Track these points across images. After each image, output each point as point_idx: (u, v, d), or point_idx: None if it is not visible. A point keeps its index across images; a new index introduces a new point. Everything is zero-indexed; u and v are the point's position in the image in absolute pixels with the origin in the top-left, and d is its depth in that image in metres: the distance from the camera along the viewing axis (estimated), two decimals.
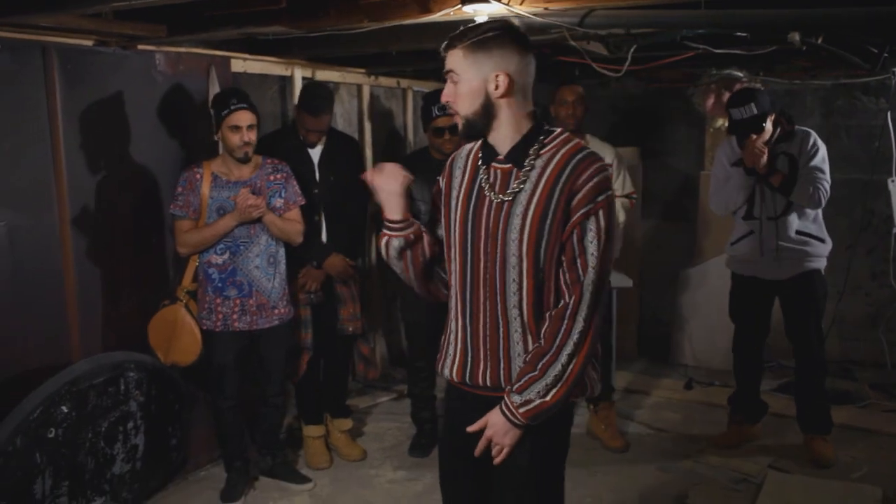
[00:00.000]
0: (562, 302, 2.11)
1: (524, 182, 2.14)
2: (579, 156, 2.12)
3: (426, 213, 4.18)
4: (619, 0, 2.97)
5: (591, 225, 2.09)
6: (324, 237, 4.37)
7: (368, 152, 5.62)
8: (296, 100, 4.67)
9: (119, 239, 3.97)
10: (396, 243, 2.30)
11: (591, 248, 2.10)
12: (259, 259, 3.87)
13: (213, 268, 3.85)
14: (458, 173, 2.31)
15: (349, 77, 5.42)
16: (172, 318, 3.89)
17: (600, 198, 2.09)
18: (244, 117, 3.75)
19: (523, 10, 3.10)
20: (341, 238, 4.40)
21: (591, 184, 2.08)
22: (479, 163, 2.25)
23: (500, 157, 2.19)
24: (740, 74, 5.72)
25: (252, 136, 3.78)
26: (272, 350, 4.03)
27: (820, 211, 4.27)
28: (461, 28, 2.16)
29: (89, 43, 3.81)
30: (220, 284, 3.85)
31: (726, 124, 5.74)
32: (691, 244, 6.11)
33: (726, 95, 5.77)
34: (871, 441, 4.55)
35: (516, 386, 2.11)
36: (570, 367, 2.09)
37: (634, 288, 6.02)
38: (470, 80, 2.13)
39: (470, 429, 2.20)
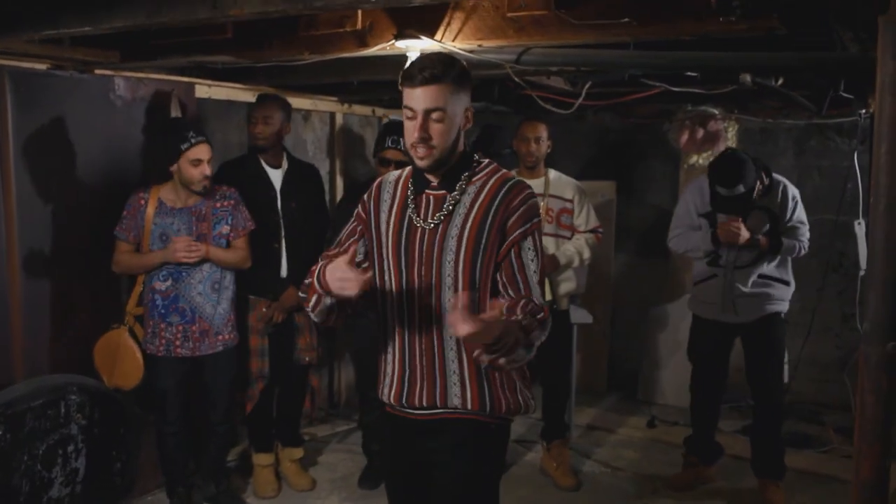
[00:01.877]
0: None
1: (455, 205, 2.23)
2: (510, 183, 2.26)
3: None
4: (547, 38, 2.96)
5: (529, 244, 2.22)
6: (284, 266, 4.37)
7: (339, 180, 5.64)
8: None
9: (71, 261, 3.99)
10: (328, 301, 2.27)
11: (532, 265, 2.22)
12: (202, 286, 3.88)
13: (157, 294, 3.86)
14: (386, 198, 2.36)
15: (321, 105, 5.45)
16: (116, 342, 3.91)
17: (535, 219, 2.24)
18: (204, 150, 3.80)
19: (456, 46, 3.10)
20: (300, 268, 4.38)
21: (524, 207, 2.22)
22: (410, 192, 2.30)
23: (434, 184, 2.27)
24: (715, 111, 5.71)
25: (210, 170, 3.82)
26: (217, 377, 4.03)
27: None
28: (424, 62, 2.19)
29: (44, 67, 3.86)
30: (163, 310, 3.86)
31: (700, 161, 5.74)
32: (664, 280, 6.06)
33: (700, 132, 5.77)
34: (827, 488, 4.48)
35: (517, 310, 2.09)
36: (531, 332, 2.05)
37: (605, 323, 5.99)
38: (455, 115, 2.21)
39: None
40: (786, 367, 4.26)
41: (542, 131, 4.40)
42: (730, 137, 5.81)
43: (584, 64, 3.22)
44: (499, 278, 2.22)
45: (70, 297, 4.00)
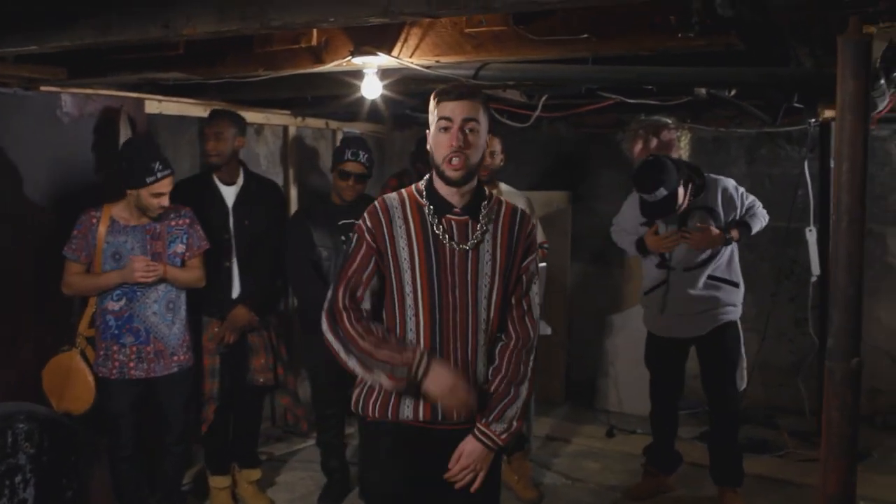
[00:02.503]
0: (514, 336, 2.46)
1: (485, 233, 2.41)
2: (520, 212, 2.53)
3: (328, 260, 4.18)
4: (505, 53, 2.95)
5: (533, 268, 2.51)
6: (236, 286, 4.28)
7: (293, 192, 5.57)
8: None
9: (17, 284, 3.86)
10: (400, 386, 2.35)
11: (535, 287, 2.52)
12: (157, 305, 3.80)
13: (109, 314, 3.76)
14: (399, 222, 2.41)
15: (273, 118, 5.38)
16: (67, 365, 3.80)
17: (536, 244, 2.56)
18: (168, 184, 3.72)
19: (414, 62, 3.08)
20: (252, 288, 4.31)
21: (533, 234, 2.53)
22: (430, 214, 2.40)
23: (457, 209, 2.41)
24: (668, 121, 5.77)
25: (168, 200, 3.75)
26: (172, 398, 3.93)
27: (736, 254, 4.27)
28: (455, 84, 2.46)
29: None
30: (116, 331, 3.76)
31: None
32: (619, 289, 6.10)
33: (654, 142, 5.83)
34: (785, 493, 4.53)
35: (493, 415, 2.40)
36: (526, 394, 2.45)
37: (562, 332, 6.00)
38: (483, 134, 2.38)
39: (451, 466, 2.40)
40: (744, 373, 4.28)
41: (496, 145, 4.38)
42: (682, 146, 5.88)
43: (543, 79, 3.23)
44: (511, 296, 2.48)
45: (17, 321, 3.88)
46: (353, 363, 2.36)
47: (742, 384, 4.30)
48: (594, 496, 4.55)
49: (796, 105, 4.24)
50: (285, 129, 5.57)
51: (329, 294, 2.45)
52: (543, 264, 4.50)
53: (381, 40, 3.04)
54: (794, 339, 5.70)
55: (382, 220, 2.43)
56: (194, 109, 4.80)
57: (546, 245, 4.62)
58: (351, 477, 4.50)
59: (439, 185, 2.42)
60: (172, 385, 3.90)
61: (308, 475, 4.81)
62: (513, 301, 2.47)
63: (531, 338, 2.48)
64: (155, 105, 4.53)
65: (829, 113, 4.72)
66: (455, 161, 2.33)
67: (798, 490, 4.53)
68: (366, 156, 4.24)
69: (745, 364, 4.28)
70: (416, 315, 2.38)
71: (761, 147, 5.81)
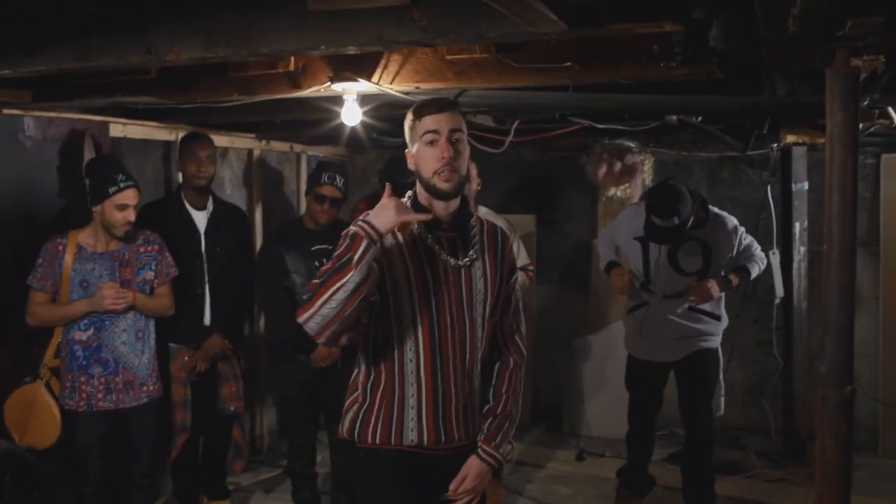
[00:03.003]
0: (510, 355, 2.48)
1: (474, 248, 2.38)
2: (499, 229, 2.51)
3: (301, 286, 4.12)
4: (486, 80, 2.95)
5: (517, 286, 2.53)
6: (207, 313, 4.21)
7: (258, 216, 5.50)
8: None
9: None
10: (373, 251, 2.17)
11: (519, 305, 2.54)
12: (126, 334, 3.70)
13: (77, 344, 3.65)
14: (389, 237, 2.30)
15: (238, 142, 5.32)
16: (31, 397, 3.67)
17: (516, 264, 2.55)
18: (132, 196, 3.62)
19: (394, 89, 3.06)
20: (224, 315, 4.25)
21: (514, 250, 2.56)
22: (419, 230, 2.33)
23: (445, 224, 2.35)
24: (631, 145, 5.83)
25: (134, 215, 3.66)
26: (141, 429, 3.82)
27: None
28: (432, 98, 2.32)
29: None
30: (84, 362, 3.65)
31: (618, 193, 5.85)
32: (585, 312, 6.12)
33: (618, 165, 5.89)
34: None
35: (500, 437, 2.41)
36: (519, 412, 2.49)
37: (529, 356, 5.99)
38: (467, 144, 2.33)
39: (455, 488, 2.37)
40: (721, 399, 4.31)
41: (473, 169, 4.37)
42: (646, 170, 5.94)
43: (522, 106, 3.24)
44: (499, 314, 2.46)
45: None
46: (320, 300, 2.16)
47: (719, 411, 4.33)
48: None
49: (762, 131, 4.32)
50: (250, 152, 5.51)
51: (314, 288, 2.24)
52: (520, 294, 4.47)
53: (361, 66, 3.01)
54: (757, 359, 5.78)
55: None
56: (159, 133, 4.73)
57: (531, 267, 4.61)
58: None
59: (426, 201, 2.34)
60: (142, 417, 3.79)
61: None
62: (504, 320, 2.48)
63: (524, 356, 2.53)
64: (119, 128, 4.45)
65: (790, 138, 4.82)
66: (446, 173, 2.26)
67: None
68: (342, 181, 4.20)
69: (722, 391, 4.31)
70: (415, 333, 2.31)
71: (723, 171, 5.91)
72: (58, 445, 3.68)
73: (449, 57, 2.95)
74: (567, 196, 6.28)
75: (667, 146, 5.81)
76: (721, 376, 4.30)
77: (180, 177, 4.33)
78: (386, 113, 3.64)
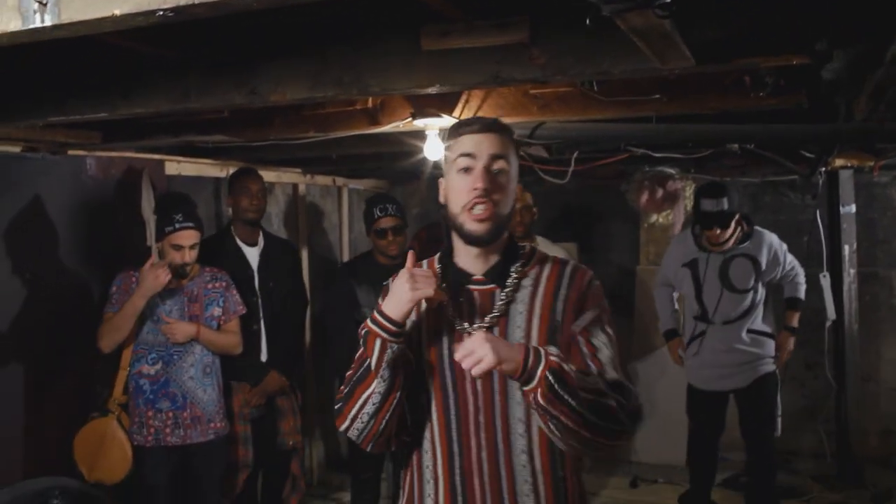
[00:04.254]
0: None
1: (510, 303, 1.83)
2: (570, 266, 1.92)
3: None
4: (570, 113, 2.97)
5: (598, 329, 1.84)
6: (264, 349, 4.21)
7: (304, 252, 5.51)
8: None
9: (42, 351, 3.75)
10: (391, 351, 1.78)
11: (606, 350, 1.82)
12: (194, 369, 3.71)
13: (144, 378, 3.66)
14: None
15: (284, 177, 5.34)
16: (102, 432, 3.66)
17: (604, 303, 1.90)
18: (188, 237, 3.63)
19: None
20: (280, 351, 4.24)
21: (591, 290, 1.87)
22: (442, 287, 1.83)
23: (477, 276, 1.87)
24: (672, 171, 5.83)
25: (194, 255, 3.68)
26: (208, 468, 3.82)
27: (770, 306, 4.35)
28: (479, 117, 1.97)
29: (17, 149, 3.66)
30: (151, 396, 3.65)
31: (660, 220, 5.85)
32: (631, 339, 6.11)
33: (660, 192, 5.88)
34: None
35: (565, 369, 1.69)
36: (590, 408, 1.69)
37: None
38: (513, 179, 1.85)
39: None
40: (779, 420, 4.31)
41: (529, 199, 4.39)
42: (688, 196, 5.95)
43: (599, 138, 3.25)
44: None
45: (42, 390, 3.75)
46: (356, 412, 1.84)
47: (777, 432, 4.33)
48: None
49: (806, 154, 4.34)
50: (295, 186, 5.53)
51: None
52: None
53: (442, 102, 3.04)
54: (805, 382, 5.77)
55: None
56: (210, 169, 4.76)
57: None
58: None
59: (458, 251, 1.91)
60: (209, 454, 3.79)
61: None
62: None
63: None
64: (174, 166, 4.48)
65: (839, 162, 4.84)
66: (479, 210, 1.78)
67: None
68: (394, 206, 4.19)
69: (779, 411, 4.31)
70: (430, 419, 1.86)
71: (765, 195, 5.92)
72: (125, 482, 3.67)
73: (533, 91, 2.98)
74: (608, 224, 6.29)
75: (708, 172, 5.82)
76: (779, 398, 4.31)
77: (230, 212, 4.34)
78: None
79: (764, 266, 4.22)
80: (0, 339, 3.56)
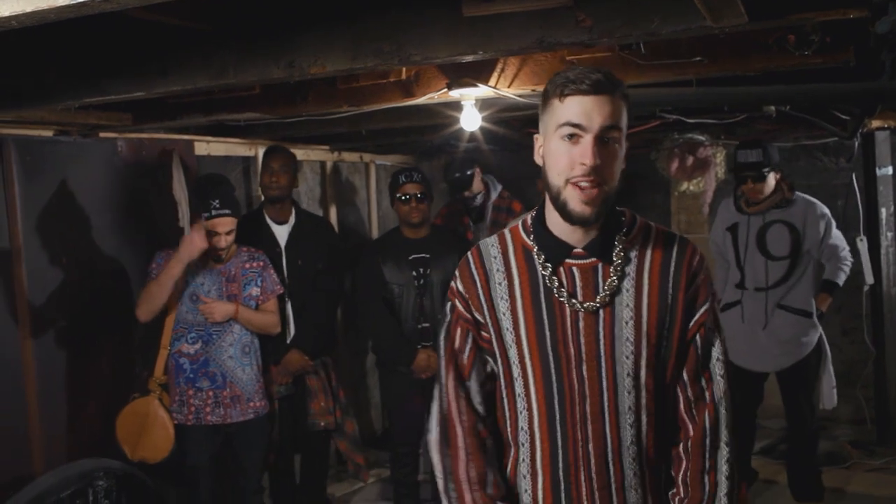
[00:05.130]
0: (691, 429, 1.71)
1: (620, 280, 1.69)
2: (678, 240, 1.75)
3: (399, 297, 4.10)
4: None
5: (712, 324, 1.73)
6: (291, 327, 4.20)
7: (335, 227, 5.50)
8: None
9: (83, 332, 3.78)
10: None
11: (717, 351, 1.73)
12: (233, 349, 3.71)
13: (184, 357, 3.68)
14: (499, 277, 1.76)
15: (313, 154, 5.32)
16: (144, 411, 3.69)
17: (713, 286, 1.76)
18: (224, 224, 3.63)
19: (511, 92, 3.03)
20: (307, 330, 4.22)
21: (703, 271, 1.72)
22: (541, 261, 1.73)
23: (578, 250, 1.71)
24: (702, 138, 5.75)
25: (230, 239, 3.68)
26: (250, 448, 3.84)
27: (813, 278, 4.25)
28: (584, 70, 1.64)
29: (49, 133, 3.66)
30: (191, 375, 3.67)
31: (691, 188, 5.79)
32: None
33: (690, 159, 5.81)
34: None
35: None
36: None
37: None
38: (624, 143, 1.67)
39: None
40: (834, 391, 4.25)
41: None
42: (718, 162, 5.88)
43: (640, 104, 3.19)
44: (676, 370, 1.73)
45: (85, 372, 3.79)
46: (441, 484, 1.81)
47: (833, 403, 4.26)
48: None
49: (841, 116, 4.25)
50: (323, 164, 5.51)
51: (436, 392, 1.84)
52: None
53: (478, 71, 2.99)
54: (842, 348, 5.70)
55: (477, 277, 1.78)
56: (240, 149, 4.75)
57: None
58: None
59: (553, 220, 1.72)
60: (249, 434, 3.80)
61: None
62: (684, 377, 1.73)
63: (709, 429, 1.71)
64: (203, 146, 4.47)
65: (875, 123, 4.75)
66: (585, 190, 1.60)
67: (872, 501, 4.50)
68: (420, 175, 4.21)
69: (833, 382, 4.25)
70: (529, 409, 1.73)
71: (798, 159, 5.83)
72: (168, 462, 3.69)
73: (570, 57, 2.92)
74: (638, 193, 6.23)
75: (738, 138, 5.73)
76: (831, 368, 4.24)
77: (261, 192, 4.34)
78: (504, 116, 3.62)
79: (803, 234, 4.11)
80: (40, 323, 3.57)
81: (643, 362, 1.67)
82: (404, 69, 3.12)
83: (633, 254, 1.71)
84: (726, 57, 2.74)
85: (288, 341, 4.18)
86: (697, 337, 1.71)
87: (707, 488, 1.69)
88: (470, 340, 1.79)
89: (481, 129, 3.80)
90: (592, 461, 1.67)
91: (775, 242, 4.14)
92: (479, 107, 3.31)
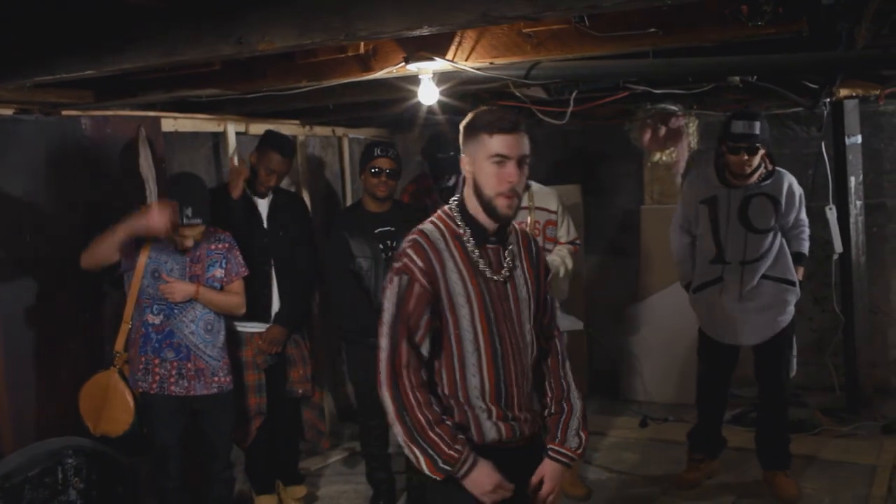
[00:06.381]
0: (551, 355, 2.55)
1: (512, 260, 2.41)
2: (526, 232, 2.59)
3: (368, 270, 4.12)
4: (566, 51, 2.91)
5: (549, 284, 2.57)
6: (275, 295, 4.27)
7: (307, 202, 5.49)
8: (231, 153, 4.67)
9: (50, 311, 3.78)
10: None
11: (555, 303, 2.64)
12: (195, 325, 3.72)
13: (150, 327, 3.69)
14: (447, 256, 2.33)
15: (284, 129, 5.26)
16: (104, 384, 3.70)
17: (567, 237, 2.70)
18: (195, 232, 3.64)
19: (468, 65, 3.03)
20: (288, 299, 4.29)
21: (562, 225, 2.83)
22: (470, 244, 2.35)
23: (492, 237, 2.38)
24: (675, 108, 5.76)
25: (200, 234, 3.68)
26: (215, 423, 3.86)
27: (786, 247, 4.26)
28: (501, 112, 2.34)
29: (9, 112, 3.63)
30: (157, 345, 3.70)
31: (664, 158, 5.80)
32: (635, 279, 6.10)
33: (663, 130, 5.83)
34: (830, 471, 4.55)
35: (560, 435, 2.44)
36: (581, 403, 2.53)
37: (589, 325, 5.99)
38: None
39: (535, 490, 2.40)
40: (794, 360, 4.30)
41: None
42: (691, 133, 5.89)
43: (595, 76, 3.20)
44: (541, 316, 2.53)
45: (55, 350, 3.80)
46: (399, 428, 2.30)
47: (792, 371, 4.31)
48: (641, 487, 4.55)
49: (809, 85, 4.25)
50: (294, 138, 5.48)
51: (386, 344, 2.32)
52: (570, 266, 4.42)
53: (435, 45, 2.98)
54: (813, 316, 5.76)
55: (433, 257, 2.32)
56: (208, 125, 4.73)
57: (578, 241, 4.53)
58: (397, 488, 4.44)
59: (479, 215, 2.36)
60: (215, 410, 3.82)
61: (350, 487, 4.75)
62: (543, 321, 2.53)
63: (560, 350, 2.58)
64: (171, 123, 4.45)
65: (843, 91, 4.76)
66: (508, 201, 2.30)
67: (844, 467, 4.57)
68: (394, 152, 4.23)
69: (795, 352, 4.29)
70: (478, 352, 2.33)
71: (770, 129, 5.82)
72: (130, 435, 3.70)
73: (526, 30, 2.91)
74: (611, 164, 6.24)
75: (710, 107, 5.74)
76: (794, 338, 4.29)
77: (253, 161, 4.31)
78: (461, 90, 3.61)
79: (784, 207, 4.12)
80: (9, 307, 3.57)
81: (531, 314, 2.45)
82: (362, 44, 3.11)
83: (511, 241, 2.45)
84: (680, 29, 2.74)
85: (275, 301, 4.26)
86: (548, 296, 2.56)
87: (564, 386, 2.53)
88: (427, 308, 2.30)
89: (444, 103, 3.79)
90: (518, 376, 2.39)
91: (758, 215, 4.10)
92: (438, 80, 3.30)
